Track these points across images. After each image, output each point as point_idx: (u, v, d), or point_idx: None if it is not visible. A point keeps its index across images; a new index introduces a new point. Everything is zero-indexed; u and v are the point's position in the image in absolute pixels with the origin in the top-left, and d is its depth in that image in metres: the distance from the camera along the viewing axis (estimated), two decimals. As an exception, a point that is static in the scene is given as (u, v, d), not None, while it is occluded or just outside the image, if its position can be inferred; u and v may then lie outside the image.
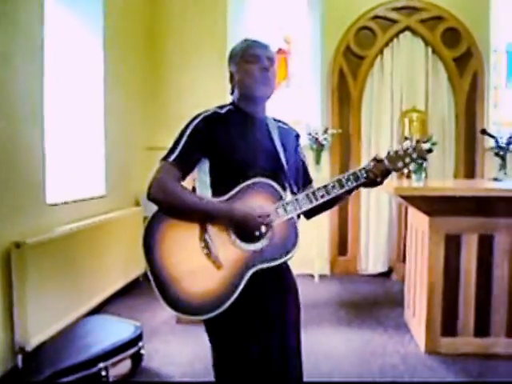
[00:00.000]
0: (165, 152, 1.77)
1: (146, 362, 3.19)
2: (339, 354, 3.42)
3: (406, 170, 1.64)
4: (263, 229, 1.69)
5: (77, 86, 4.34)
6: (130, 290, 4.66)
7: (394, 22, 5.39)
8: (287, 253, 1.72)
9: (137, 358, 3.10)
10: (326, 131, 5.35)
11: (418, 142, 1.81)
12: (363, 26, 5.43)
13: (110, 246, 4.28)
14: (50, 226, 3.51)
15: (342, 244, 5.64)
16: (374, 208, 5.50)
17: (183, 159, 1.74)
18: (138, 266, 4.68)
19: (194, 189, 1.81)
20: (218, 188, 1.74)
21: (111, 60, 4.55)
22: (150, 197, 1.72)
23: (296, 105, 5.70)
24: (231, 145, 1.75)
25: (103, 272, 4.15)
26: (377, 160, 1.77)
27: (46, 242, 3.28)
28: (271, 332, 1.79)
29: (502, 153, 4.41)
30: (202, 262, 1.67)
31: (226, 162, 1.74)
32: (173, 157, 1.73)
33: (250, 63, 1.78)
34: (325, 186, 1.74)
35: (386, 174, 1.78)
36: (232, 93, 1.88)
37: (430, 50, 5.40)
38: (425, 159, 1.83)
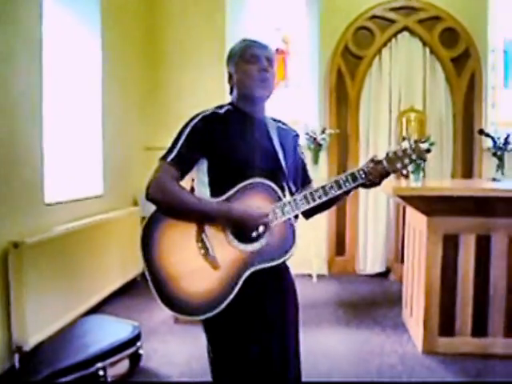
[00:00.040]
0: (163, 152, 1.77)
1: (144, 362, 3.18)
2: (337, 353, 3.42)
3: (404, 172, 1.62)
4: (261, 229, 1.69)
5: (75, 85, 4.33)
6: (128, 290, 4.66)
7: (392, 22, 5.40)
8: (285, 253, 1.72)
9: (135, 358, 3.10)
10: (323, 131, 5.36)
11: (416, 142, 1.81)
12: (361, 26, 5.43)
13: (107, 245, 4.27)
14: (48, 225, 3.50)
15: (339, 244, 5.64)
16: (372, 208, 5.51)
17: (182, 159, 1.73)
18: (135, 266, 4.68)
19: (192, 189, 1.81)
20: (217, 188, 1.74)
21: (109, 59, 4.55)
22: (149, 196, 1.72)
23: (294, 105, 5.70)
24: (230, 145, 1.74)
25: (101, 272, 4.14)
26: (375, 161, 1.77)
27: (44, 242, 3.28)
28: (270, 332, 1.79)
29: (499, 153, 4.41)
30: (199, 263, 1.67)
31: (225, 161, 1.74)
32: (171, 156, 1.73)
33: (249, 63, 1.78)
34: (322, 187, 1.74)
35: (384, 175, 1.77)
36: (231, 93, 1.87)
37: (427, 50, 5.41)
38: (424, 160, 1.83)
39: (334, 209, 5.40)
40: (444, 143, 5.42)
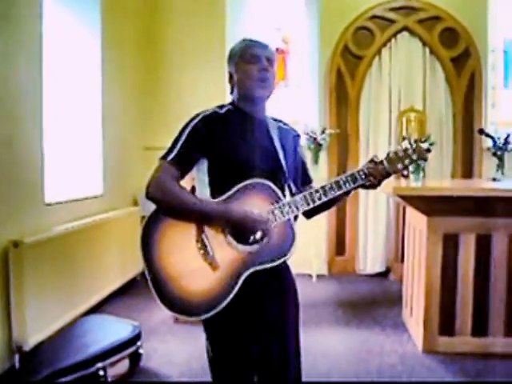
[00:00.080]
0: (163, 152, 1.77)
1: (144, 362, 3.18)
2: (337, 353, 3.42)
3: (405, 172, 1.61)
4: (258, 235, 1.69)
5: (75, 85, 4.33)
6: (128, 290, 4.66)
7: (391, 22, 5.40)
8: (284, 254, 1.71)
9: (135, 358, 3.09)
10: (323, 131, 5.35)
11: (416, 141, 1.80)
12: (361, 26, 5.43)
13: (107, 245, 4.27)
14: (48, 225, 3.50)
15: (339, 244, 5.64)
16: (372, 208, 5.51)
17: (182, 159, 1.74)
18: (135, 266, 4.68)
19: (193, 188, 1.81)
20: (217, 188, 1.74)
21: (109, 59, 4.55)
22: (149, 195, 1.72)
23: (294, 105, 5.70)
24: (230, 145, 1.74)
25: (101, 271, 4.15)
26: (375, 162, 1.77)
27: (44, 242, 3.28)
28: (270, 332, 1.79)
29: (499, 153, 4.41)
30: (199, 263, 1.67)
31: (225, 161, 1.74)
32: (171, 156, 1.73)
33: (249, 63, 1.77)
34: (322, 188, 1.74)
35: (384, 176, 1.77)
36: (232, 92, 1.87)
37: (427, 50, 5.41)
38: (425, 159, 1.82)
39: (334, 209, 5.35)
40: (444, 143, 5.42)
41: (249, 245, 1.69)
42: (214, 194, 1.74)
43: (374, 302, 4.59)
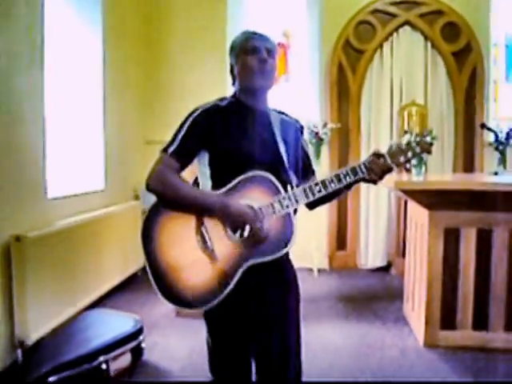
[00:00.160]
0: (164, 146, 1.78)
1: (145, 356, 3.19)
2: (338, 347, 3.43)
3: (408, 165, 1.59)
4: (247, 231, 1.68)
5: (76, 80, 4.33)
6: (129, 285, 4.67)
7: (393, 16, 5.38)
8: (283, 247, 1.71)
9: (137, 352, 3.10)
10: (325, 125, 5.34)
11: (417, 135, 1.80)
12: (362, 20, 5.41)
13: (109, 239, 4.28)
14: (50, 220, 3.51)
15: (341, 238, 5.64)
16: (374, 202, 5.50)
17: (182, 151, 1.74)
18: (136, 261, 4.68)
19: (196, 180, 1.82)
20: (218, 180, 1.74)
21: (111, 55, 4.55)
22: (149, 187, 1.73)
23: (295, 99, 5.68)
24: (230, 137, 1.74)
25: (103, 266, 4.15)
26: (377, 155, 1.76)
27: (46, 236, 3.29)
28: (271, 329, 1.79)
29: (501, 147, 4.41)
30: (198, 255, 1.69)
31: (225, 154, 1.74)
32: (172, 149, 1.74)
33: (249, 55, 1.77)
34: (322, 181, 1.73)
35: (386, 170, 1.76)
36: (233, 84, 1.87)
37: (429, 44, 5.38)
38: (429, 153, 1.80)
39: (334, 203, 5.40)
40: (445, 137, 5.41)
41: (246, 237, 1.69)
42: (215, 187, 1.74)
43: (375, 296, 4.60)
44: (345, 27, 5.40)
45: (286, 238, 1.72)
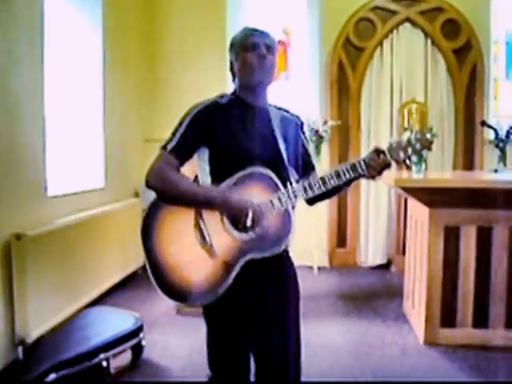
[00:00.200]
0: (164, 141, 1.78)
1: (145, 354, 3.20)
2: (338, 345, 3.43)
3: (408, 162, 1.59)
4: (249, 222, 1.68)
5: (76, 78, 4.32)
6: (129, 283, 4.66)
7: (393, 13, 5.37)
8: (281, 243, 1.72)
9: (137, 350, 3.11)
10: (325, 123, 5.34)
11: (418, 132, 1.79)
12: (363, 17, 5.40)
13: (109, 237, 4.28)
14: (50, 218, 3.51)
15: (341, 236, 5.64)
16: (374, 200, 5.50)
17: (181, 148, 1.75)
18: (136, 259, 4.68)
19: (196, 177, 1.82)
20: (218, 176, 1.75)
21: (111, 53, 4.54)
22: (149, 184, 1.73)
23: (295, 96, 5.68)
24: (230, 134, 1.75)
25: (103, 264, 4.15)
26: (377, 152, 1.76)
27: (46, 234, 3.29)
28: (270, 327, 1.79)
29: (501, 145, 4.40)
30: (197, 250, 1.69)
31: (225, 151, 1.75)
32: (171, 145, 1.74)
33: (249, 51, 1.77)
34: (322, 178, 1.74)
35: (385, 166, 1.76)
36: (233, 81, 1.88)
37: (429, 41, 5.37)
38: (429, 149, 1.79)
39: (334, 200, 5.41)
40: (445, 135, 5.41)
41: (245, 232, 1.69)
42: (215, 183, 1.75)
43: (375, 294, 4.60)
44: (345, 25, 5.39)
45: (284, 234, 1.72)
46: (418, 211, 3.60)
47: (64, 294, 3.49)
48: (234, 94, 1.86)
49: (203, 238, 1.69)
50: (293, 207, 1.76)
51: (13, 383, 2.85)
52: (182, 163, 1.76)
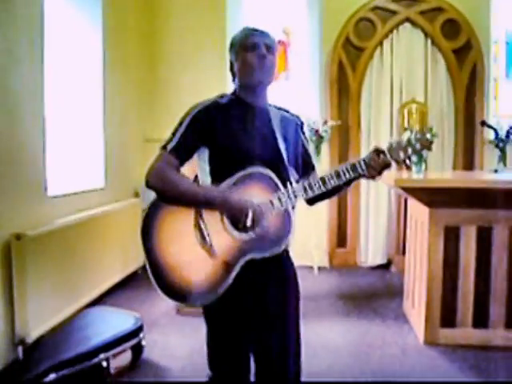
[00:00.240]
0: (164, 141, 1.78)
1: (145, 354, 3.19)
2: (338, 345, 3.43)
3: (408, 162, 1.59)
4: (249, 222, 1.68)
5: (76, 79, 4.32)
6: (129, 283, 4.66)
7: (393, 13, 5.36)
8: (281, 243, 1.72)
9: (137, 350, 3.11)
10: (325, 123, 5.34)
11: (418, 132, 1.79)
12: (363, 17, 5.40)
13: (109, 237, 4.28)
14: (50, 218, 3.51)
15: (341, 236, 5.64)
16: (374, 200, 5.50)
17: (181, 148, 1.75)
18: (136, 259, 4.68)
19: (196, 177, 1.82)
20: (218, 176, 1.75)
21: (111, 53, 4.54)
22: (149, 184, 1.74)
23: (295, 97, 5.68)
24: (230, 134, 1.75)
25: (103, 264, 4.15)
26: (377, 151, 1.76)
27: (46, 234, 3.29)
28: (270, 327, 1.79)
29: (501, 145, 4.40)
30: (197, 250, 1.69)
31: (225, 151, 1.75)
32: (171, 145, 1.74)
33: (249, 51, 1.77)
34: (322, 178, 1.74)
35: (385, 166, 1.76)
36: (233, 81, 1.88)
37: (429, 41, 5.37)
38: (429, 149, 1.79)
39: (334, 200, 5.41)
40: (445, 135, 5.41)
41: (246, 232, 1.70)
42: (215, 183, 1.75)
43: (375, 294, 4.60)
44: (345, 25, 5.39)
45: (284, 234, 1.72)
46: (418, 211, 3.60)
47: (64, 294, 3.49)
48: (233, 94, 1.86)
49: (203, 237, 1.69)
50: (293, 207, 1.76)
51: (13, 383, 2.85)
52: (182, 163, 1.76)
